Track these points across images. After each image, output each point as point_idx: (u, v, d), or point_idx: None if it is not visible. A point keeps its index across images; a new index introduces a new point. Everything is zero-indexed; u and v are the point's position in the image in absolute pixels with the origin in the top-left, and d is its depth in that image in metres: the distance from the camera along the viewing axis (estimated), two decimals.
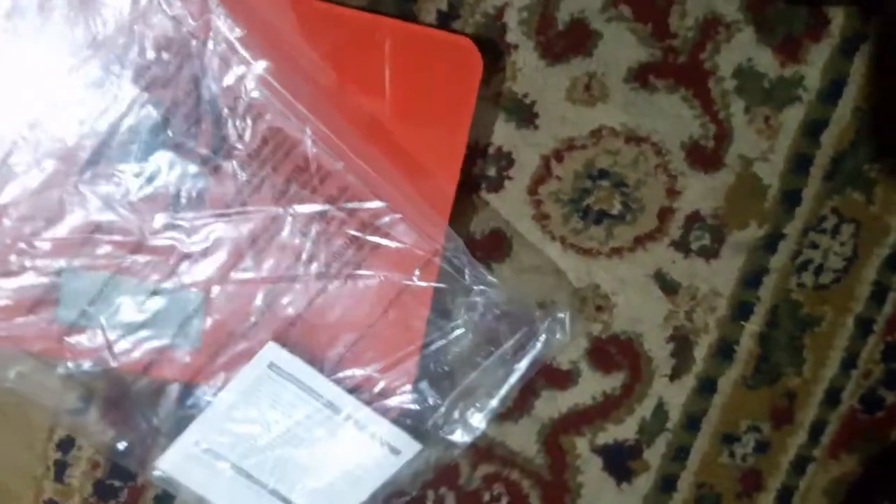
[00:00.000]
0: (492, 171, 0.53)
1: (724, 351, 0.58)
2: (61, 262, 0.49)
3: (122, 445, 0.54)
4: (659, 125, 0.53)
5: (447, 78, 0.49)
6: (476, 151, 0.52)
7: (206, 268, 0.50)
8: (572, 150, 0.53)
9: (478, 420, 0.54)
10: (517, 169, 0.53)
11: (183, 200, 0.49)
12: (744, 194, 0.55)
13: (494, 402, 0.54)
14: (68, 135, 0.47)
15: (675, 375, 0.58)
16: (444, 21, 0.50)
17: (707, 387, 0.58)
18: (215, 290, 0.50)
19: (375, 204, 0.49)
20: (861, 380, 0.59)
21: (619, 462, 0.60)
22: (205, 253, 0.49)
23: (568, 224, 0.54)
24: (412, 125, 0.49)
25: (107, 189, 0.48)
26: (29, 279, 0.49)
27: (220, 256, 0.50)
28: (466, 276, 0.51)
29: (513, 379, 0.53)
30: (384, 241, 0.50)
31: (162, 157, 0.48)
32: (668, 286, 0.56)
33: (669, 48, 0.52)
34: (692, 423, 0.59)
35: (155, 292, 0.50)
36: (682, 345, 0.57)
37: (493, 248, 0.54)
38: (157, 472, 0.54)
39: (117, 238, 0.49)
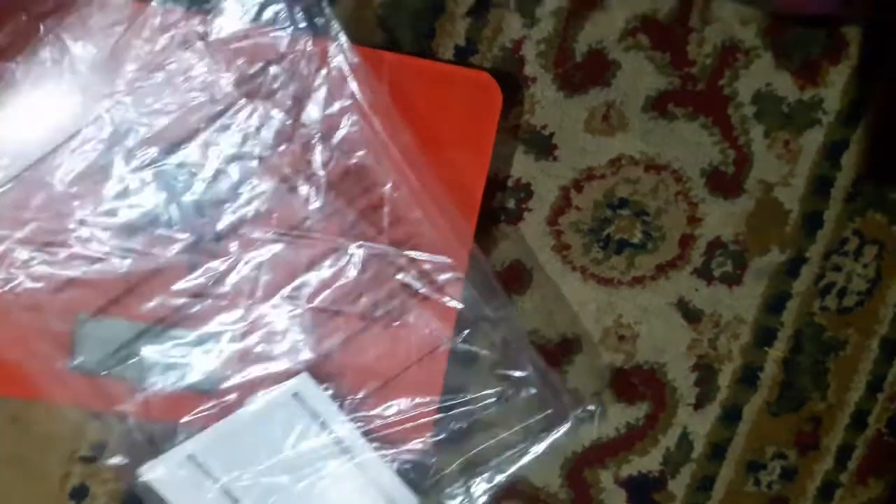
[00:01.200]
0: (511, 203, 0.52)
1: (748, 378, 0.57)
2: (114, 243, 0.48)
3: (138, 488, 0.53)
4: (678, 153, 0.52)
5: (467, 113, 0.48)
6: (495, 183, 0.52)
7: (254, 282, 0.49)
8: (592, 180, 0.52)
9: (481, 490, 0.53)
10: (536, 200, 0.53)
11: (250, 213, 0.48)
12: (765, 219, 0.54)
13: (502, 478, 0.53)
14: (152, 122, 0.47)
15: (699, 404, 0.57)
16: (462, 56, 0.50)
17: (732, 415, 0.58)
18: (256, 308, 0.49)
19: (441, 259, 0.49)
20: (887, 403, 0.59)
21: (644, 494, 0.59)
22: (258, 268, 0.49)
23: (588, 254, 0.54)
24: (433, 160, 0.49)
25: (174, 182, 0.47)
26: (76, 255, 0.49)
27: (271, 275, 0.49)
28: (512, 352, 0.51)
29: (526, 459, 0.53)
30: (436, 296, 0.50)
31: (242, 166, 0.47)
32: (691, 314, 0.55)
33: (688, 76, 0.51)
34: (717, 452, 0.58)
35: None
36: (705, 373, 0.57)
37: (514, 279, 0.54)
38: (140, 479, 0.52)
39: (173, 234, 0.48)
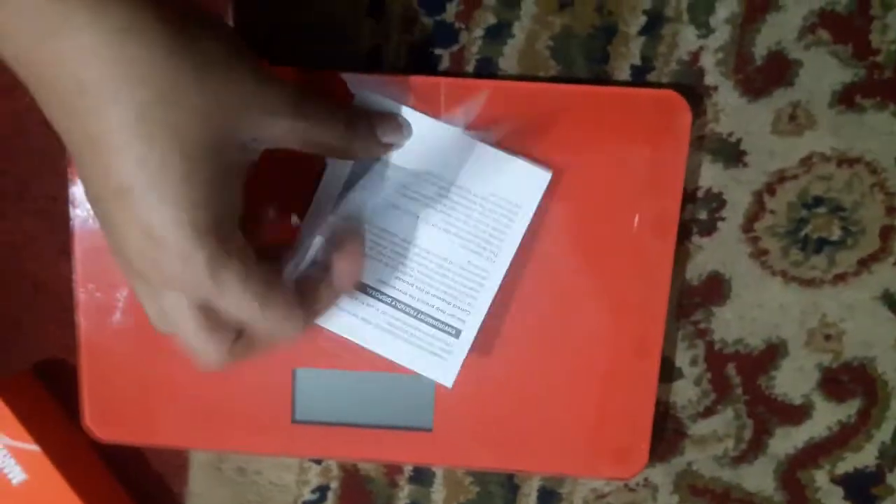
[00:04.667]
0: (703, 215, 0.52)
1: None
2: None
3: None
4: (870, 144, 0.51)
5: (656, 134, 0.48)
6: (685, 196, 0.51)
7: None
8: (784, 182, 0.52)
9: None
10: (729, 208, 0.52)
11: None
12: None
13: None
14: None
15: None
16: (639, 75, 0.50)
17: None
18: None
19: None
20: None
21: (862, 490, 0.57)
22: None
23: (788, 257, 0.53)
24: (624, 191, 0.49)
25: None
26: None
27: None
28: None
29: None
30: None
31: None
32: None
33: (874, 65, 0.50)
34: None
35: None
36: None
37: (712, 291, 0.53)
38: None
39: None
